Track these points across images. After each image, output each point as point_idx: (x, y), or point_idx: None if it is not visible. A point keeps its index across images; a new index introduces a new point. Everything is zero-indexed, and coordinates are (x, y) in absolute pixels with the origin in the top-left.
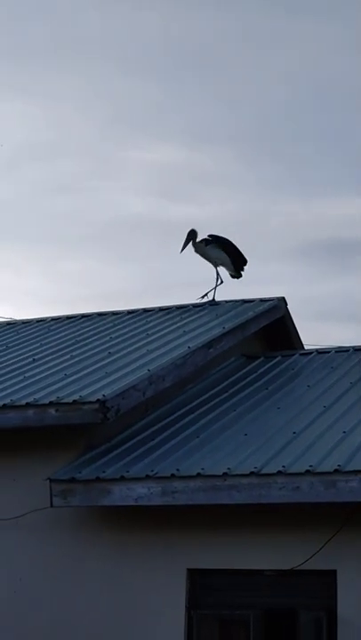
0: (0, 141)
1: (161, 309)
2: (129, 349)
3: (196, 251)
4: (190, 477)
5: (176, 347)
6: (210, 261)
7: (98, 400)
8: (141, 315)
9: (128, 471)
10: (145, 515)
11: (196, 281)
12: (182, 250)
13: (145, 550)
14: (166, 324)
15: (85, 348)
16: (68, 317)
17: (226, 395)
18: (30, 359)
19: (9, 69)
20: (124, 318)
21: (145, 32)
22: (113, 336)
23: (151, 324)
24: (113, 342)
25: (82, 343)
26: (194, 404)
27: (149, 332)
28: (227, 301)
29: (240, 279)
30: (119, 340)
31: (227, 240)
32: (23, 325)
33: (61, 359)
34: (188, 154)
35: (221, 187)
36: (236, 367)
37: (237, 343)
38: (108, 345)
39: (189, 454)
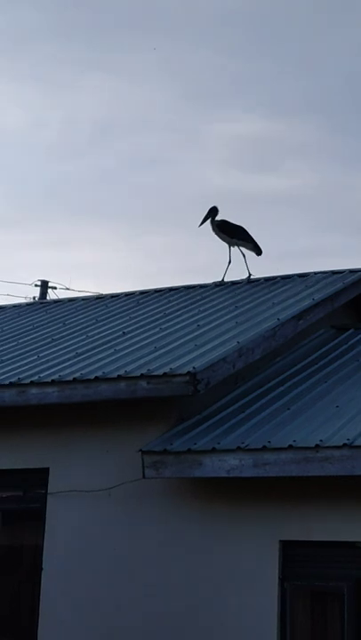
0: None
1: (249, 281)
2: (217, 322)
3: (214, 232)
4: (282, 449)
5: (265, 319)
6: (224, 241)
7: (188, 372)
8: (229, 287)
9: (219, 443)
10: (236, 486)
11: (279, 253)
12: (201, 224)
13: (236, 522)
14: (254, 296)
15: (174, 321)
16: (156, 291)
17: (316, 367)
18: (120, 332)
19: (93, 46)
20: (212, 291)
21: (225, 4)
22: (201, 309)
23: (239, 297)
24: (201, 315)
25: (170, 316)
26: (283, 376)
27: (238, 305)
28: (315, 273)
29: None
30: (207, 312)
31: (237, 228)
32: (112, 299)
33: (151, 332)
34: (269, 125)
35: (303, 158)
36: (326, 339)
37: (327, 315)
38: (196, 318)
39: (280, 426)
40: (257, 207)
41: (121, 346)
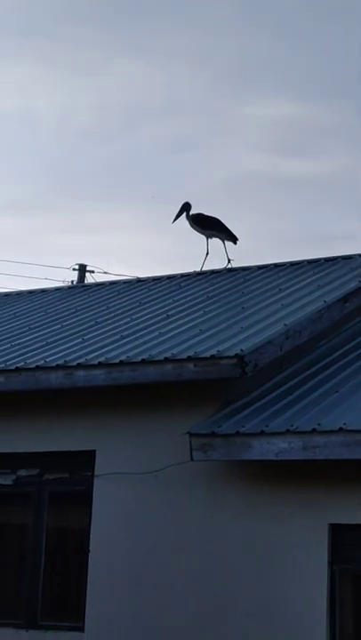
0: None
1: (292, 264)
2: (263, 304)
3: (190, 225)
4: (332, 432)
5: (311, 301)
6: (201, 234)
7: (236, 355)
8: (272, 270)
9: (268, 426)
10: (285, 469)
11: (316, 235)
12: (174, 221)
13: (285, 505)
14: (299, 278)
15: (218, 304)
16: (198, 274)
17: None
18: (164, 315)
19: (123, 30)
20: (255, 274)
21: None
22: (245, 291)
23: (283, 279)
24: (246, 298)
25: (214, 299)
26: (330, 358)
27: (282, 287)
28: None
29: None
30: (252, 295)
31: (211, 220)
32: (153, 282)
33: (195, 315)
34: (301, 108)
35: (336, 140)
36: None
37: None
38: (240, 300)
39: (329, 409)
40: (289, 190)
41: (166, 329)
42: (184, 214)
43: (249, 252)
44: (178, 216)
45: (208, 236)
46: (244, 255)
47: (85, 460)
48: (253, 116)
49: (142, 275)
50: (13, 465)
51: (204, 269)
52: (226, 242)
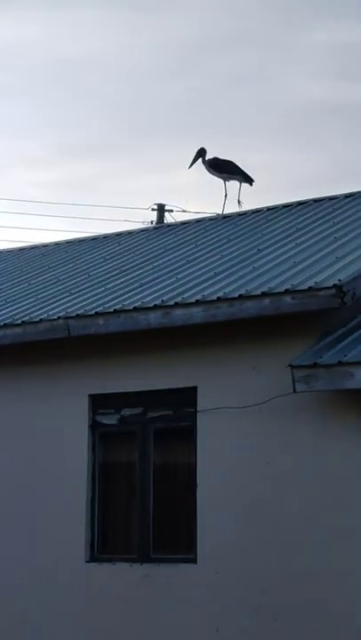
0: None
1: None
2: (354, 233)
3: (207, 170)
4: None
5: None
6: (217, 177)
7: (334, 285)
8: (360, 197)
9: None
10: None
11: None
12: (190, 166)
13: None
14: None
15: (309, 235)
16: (284, 206)
17: None
18: (255, 250)
19: None
20: (342, 203)
21: None
22: (335, 221)
23: None
24: (336, 227)
25: (304, 230)
26: None
27: None
28: None
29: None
30: (342, 224)
31: (225, 163)
32: (239, 217)
33: (287, 247)
34: None
35: None
36: None
37: None
38: (331, 230)
39: None
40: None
41: (259, 263)
42: (200, 159)
43: (323, 180)
44: (194, 161)
45: (225, 179)
46: (317, 184)
47: (188, 396)
48: (319, 42)
49: (220, 211)
50: (117, 404)
51: (226, 212)
52: (242, 184)
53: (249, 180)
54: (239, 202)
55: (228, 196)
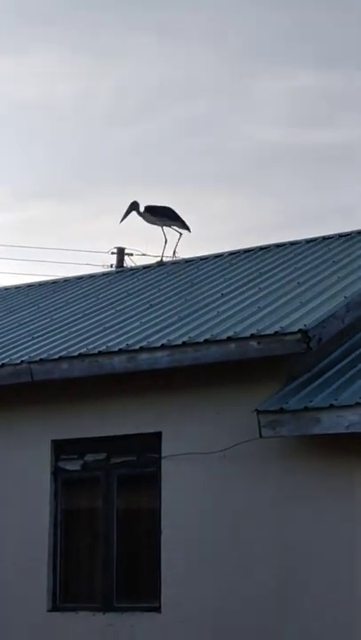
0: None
1: (340, 235)
2: (318, 278)
3: (144, 219)
4: None
5: None
6: (155, 224)
7: (300, 330)
8: (321, 243)
9: (336, 399)
10: (355, 442)
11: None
12: (122, 220)
13: (359, 478)
14: (349, 250)
15: (272, 280)
16: (246, 251)
17: None
18: (218, 294)
19: (141, 9)
20: (304, 247)
21: None
22: (297, 266)
23: (334, 252)
24: (299, 272)
25: (267, 275)
26: None
27: (335, 260)
28: None
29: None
30: (305, 269)
31: (163, 208)
32: (202, 262)
33: (251, 292)
34: (320, 79)
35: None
36: None
37: None
38: (294, 275)
39: None
40: (313, 162)
41: (223, 307)
42: (134, 212)
43: (278, 226)
44: (126, 215)
45: (162, 225)
46: (277, 231)
47: (152, 441)
48: (273, 90)
49: (182, 256)
50: (80, 450)
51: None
52: (180, 230)
53: (186, 227)
54: (175, 252)
55: (167, 242)
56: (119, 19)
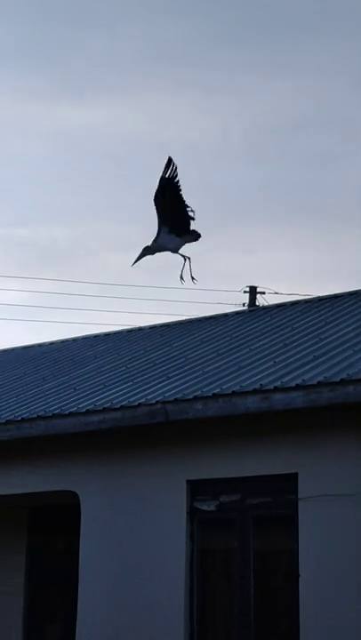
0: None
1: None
2: None
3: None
4: None
5: None
6: (170, 251)
7: None
8: None
9: None
10: None
11: None
12: (134, 263)
13: None
14: None
15: None
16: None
17: None
18: (356, 332)
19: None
20: None
21: None
22: None
23: None
24: None
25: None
26: None
27: None
28: None
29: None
30: None
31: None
32: (335, 300)
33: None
34: None
35: None
36: None
37: None
38: None
39: None
40: None
41: (359, 346)
42: (148, 256)
43: None
44: (139, 258)
45: (175, 250)
46: None
47: (288, 483)
48: None
49: (314, 293)
50: (215, 491)
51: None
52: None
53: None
54: (193, 278)
55: (188, 260)
56: (245, 56)
